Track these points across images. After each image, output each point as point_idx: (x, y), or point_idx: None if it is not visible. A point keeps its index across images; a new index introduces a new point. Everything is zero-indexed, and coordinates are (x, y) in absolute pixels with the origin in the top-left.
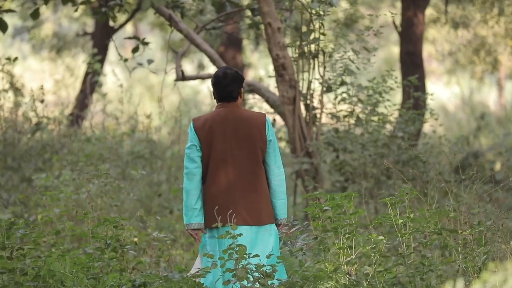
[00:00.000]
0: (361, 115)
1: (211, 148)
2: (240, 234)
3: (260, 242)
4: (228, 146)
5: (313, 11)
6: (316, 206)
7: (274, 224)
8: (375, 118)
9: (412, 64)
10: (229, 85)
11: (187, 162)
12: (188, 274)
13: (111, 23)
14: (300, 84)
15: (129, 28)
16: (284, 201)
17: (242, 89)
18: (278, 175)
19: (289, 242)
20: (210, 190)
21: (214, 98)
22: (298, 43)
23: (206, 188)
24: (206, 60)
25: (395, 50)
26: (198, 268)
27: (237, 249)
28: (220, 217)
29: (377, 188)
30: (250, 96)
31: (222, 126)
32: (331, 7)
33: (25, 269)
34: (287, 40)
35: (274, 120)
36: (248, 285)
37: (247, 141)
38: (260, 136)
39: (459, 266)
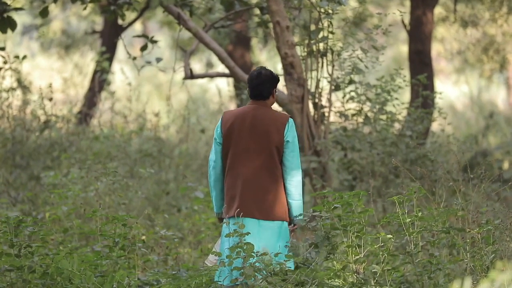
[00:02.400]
0: (369, 114)
1: (231, 143)
2: (248, 233)
3: (263, 237)
4: (246, 143)
5: (322, 10)
6: (326, 204)
7: (284, 222)
8: (384, 117)
9: (420, 63)
10: (260, 85)
11: (211, 155)
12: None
13: (119, 22)
14: (309, 82)
15: (137, 27)
16: (300, 202)
17: (275, 89)
18: (294, 176)
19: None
20: (227, 183)
21: (248, 95)
22: (306, 41)
23: (226, 180)
24: (214, 59)
25: (404, 48)
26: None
27: (245, 247)
28: (230, 209)
29: (385, 186)
30: None
31: (242, 123)
32: (340, 6)
33: (33, 266)
34: (296, 39)
35: None
36: (256, 283)
37: (264, 139)
38: (278, 135)
39: (467, 265)
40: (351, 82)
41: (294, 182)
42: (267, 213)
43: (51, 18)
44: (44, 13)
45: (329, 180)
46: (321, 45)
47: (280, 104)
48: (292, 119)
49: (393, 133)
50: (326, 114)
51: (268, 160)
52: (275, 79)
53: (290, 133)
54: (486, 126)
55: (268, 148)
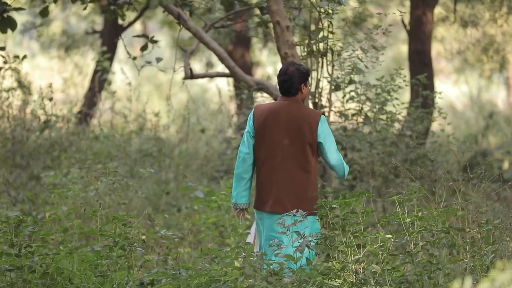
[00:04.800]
0: (369, 114)
1: (264, 137)
2: (248, 232)
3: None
4: (279, 138)
5: (322, 10)
6: (324, 204)
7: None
8: (384, 117)
9: (420, 63)
10: (287, 81)
11: (241, 146)
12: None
13: (120, 21)
14: None
15: (138, 27)
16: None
17: (303, 85)
18: (339, 170)
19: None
20: (259, 177)
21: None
22: (306, 41)
23: (257, 174)
24: (214, 59)
25: (404, 48)
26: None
27: (245, 247)
28: (265, 203)
29: (385, 186)
30: (259, 94)
31: (275, 118)
32: (340, 6)
33: (33, 266)
34: (296, 39)
35: None
36: (256, 283)
37: (297, 135)
38: (311, 132)
39: (467, 264)
40: (351, 82)
41: (341, 173)
42: (300, 208)
43: (51, 18)
44: (44, 13)
45: (329, 180)
46: (321, 45)
47: None
48: (324, 116)
49: (393, 133)
50: (326, 114)
51: (301, 156)
52: (303, 74)
53: (322, 129)
54: (486, 126)
55: (301, 145)
